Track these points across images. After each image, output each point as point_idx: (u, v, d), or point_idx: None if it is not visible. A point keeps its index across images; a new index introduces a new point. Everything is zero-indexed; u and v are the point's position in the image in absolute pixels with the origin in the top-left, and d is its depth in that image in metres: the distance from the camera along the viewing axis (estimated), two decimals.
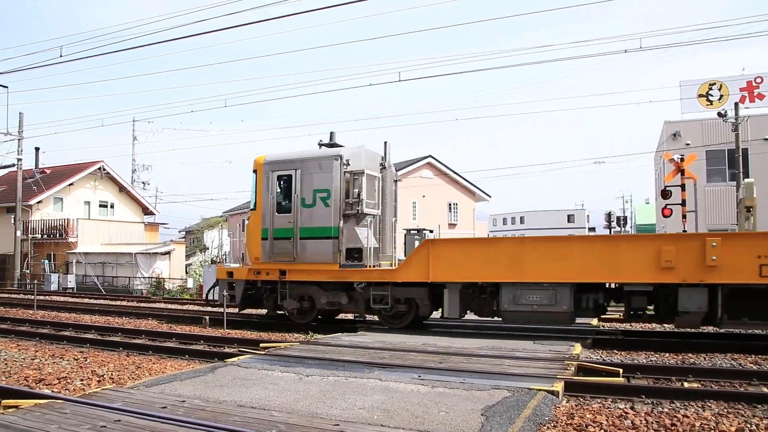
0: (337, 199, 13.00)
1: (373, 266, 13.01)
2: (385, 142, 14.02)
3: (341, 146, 14.02)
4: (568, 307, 11.01)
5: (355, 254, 13.12)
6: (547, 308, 11.13)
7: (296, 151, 14.28)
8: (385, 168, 13.89)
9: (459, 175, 44.74)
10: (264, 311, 15.18)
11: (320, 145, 14.32)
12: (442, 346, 9.84)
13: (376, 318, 13.42)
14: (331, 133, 14.42)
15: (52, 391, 7.37)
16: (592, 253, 11.23)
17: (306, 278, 13.43)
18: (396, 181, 14.70)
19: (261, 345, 10.46)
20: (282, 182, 13.77)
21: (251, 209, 14.39)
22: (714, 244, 10.22)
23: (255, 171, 14.13)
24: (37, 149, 36.65)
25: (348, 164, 13.11)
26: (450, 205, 44.43)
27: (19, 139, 33.17)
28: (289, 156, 14.00)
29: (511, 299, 11.37)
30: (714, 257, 10.17)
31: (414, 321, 12.81)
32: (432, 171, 43.19)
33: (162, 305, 20.82)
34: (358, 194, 12.95)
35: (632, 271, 10.76)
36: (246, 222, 14.63)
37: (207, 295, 17.00)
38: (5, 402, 6.15)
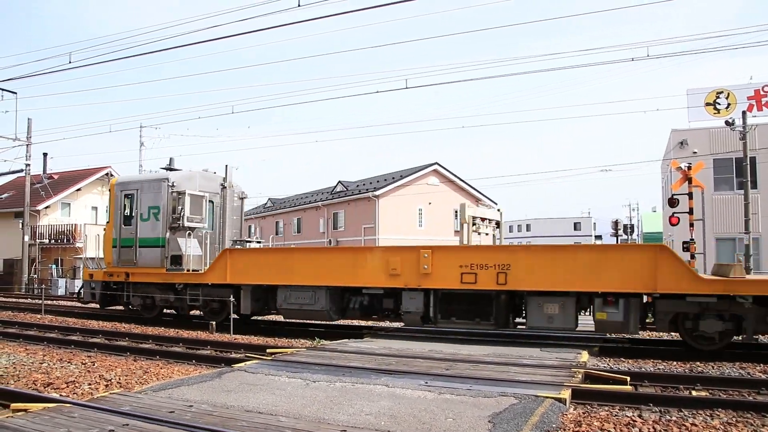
0: (165, 214, 15.64)
1: (193, 271, 15.22)
2: (226, 166, 16.48)
3: (177, 170, 16.84)
4: (324, 306, 13.09)
5: (179, 260, 15.49)
6: (310, 307, 13.27)
7: (139, 174, 17.49)
8: (225, 188, 16.30)
9: (465, 182, 44.77)
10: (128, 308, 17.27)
11: (167, 169, 16.99)
12: (449, 353, 9.83)
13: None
14: (171, 159, 17.33)
15: (61, 395, 7.41)
16: (340, 262, 13.35)
17: (143, 280, 16.04)
18: (242, 199, 17.35)
19: (268, 351, 10.48)
20: (127, 200, 16.52)
21: (107, 222, 17.36)
22: (426, 255, 12.05)
23: (110, 190, 17.21)
24: (45, 155, 36.77)
25: (174, 186, 15.76)
26: (456, 212, 44.42)
27: (27, 145, 33.33)
28: (133, 178, 17.39)
29: (284, 299, 13.58)
30: (426, 266, 12.00)
31: (236, 316, 14.66)
32: (438, 178, 43.25)
33: (169, 310, 20.80)
34: (181, 210, 15.47)
35: (370, 277, 12.66)
36: (103, 233, 17.56)
37: (78, 294, 19.28)
38: (14, 405, 6.19)
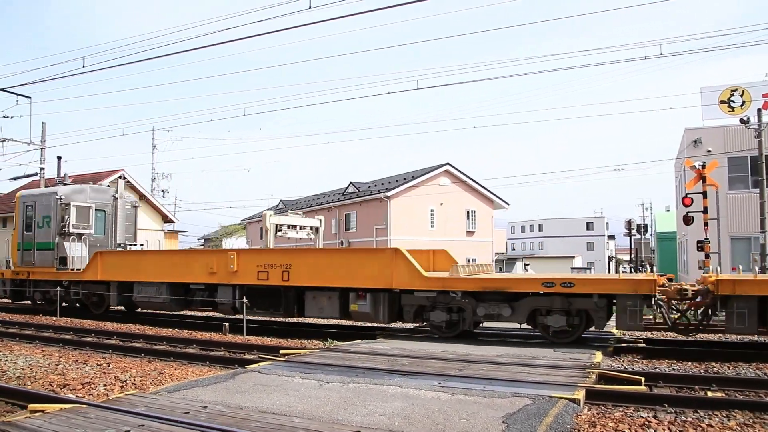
0: (55, 222, 18.64)
1: (76, 270, 18.10)
2: (118, 179, 20.11)
3: (68, 185, 20.03)
4: (165, 298, 15.71)
5: (65, 261, 18.40)
6: (156, 299, 15.97)
7: (38, 190, 21.51)
8: (117, 199, 19.87)
9: (477, 183, 44.62)
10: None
11: (63, 184, 20.04)
12: (462, 354, 9.81)
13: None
14: (65, 175, 21.22)
15: (77, 396, 7.48)
16: (175, 262, 16.07)
17: (40, 278, 19.02)
18: (135, 207, 20.94)
19: (281, 352, 10.51)
20: (28, 211, 19.59)
21: (14, 229, 20.51)
22: (232, 256, 14.45)
23: (15, 202, 20.53)
24: (59, 158, 36.95)
25: (62, 199, 18.66)
26: (468, 212, 44.33)
27: (41, 149, 33.59)
28: (32, 192, 20.88)
29: (138, 292, 16.28)
30: (232, 266, 14.34)
31: (110, 309, 18.14)
32: (450, 179, 43.15)
33: (182, 312, 20.94)
34: (67, 219, 18.43)
35: (197, 275, 15.13)
36: (11, 238, 20.70)
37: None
38: (32, 406, 6.26)
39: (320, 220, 19.49)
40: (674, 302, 11.20)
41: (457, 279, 11.90)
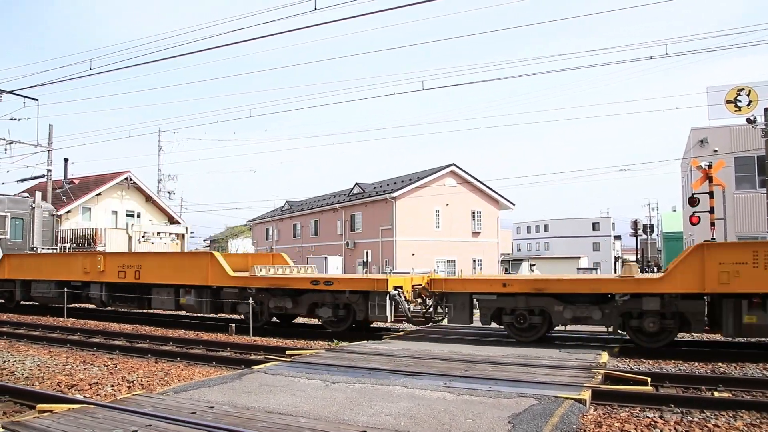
0: None
1: None
2: (35, 192, 23.57)
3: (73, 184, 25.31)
4: (54, 293, 18.36)
5: None
6: (48, 294, 18.68)
7: None
8: (34, 208, 22.90)
9: (483, 183, 44.56)
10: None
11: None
12: (468, 354, 9.82)
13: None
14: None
15: (85, 396, 7.52)
16: (60, 263, 18.84)
17: None
18: (53, 216, 24.39)
19: (287, 352, 10.53)
20: None
21: None
22: (100, 258, 17.14)
23: None
24: (66, 160, 37.17)
25: None
26: (473, 213, 44.28)
27: (48, 151, 33.72)
28: None
29: (34, 289, 18.88)
30: (100, 266, 16.91)
31: (19, 304, 20.49)
32: (455, 179, 43.11)
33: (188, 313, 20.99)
34: None
35: (76, 274, 17.69)
36: None
37: None
38: (40, 406, 6.31)
39: (186, 228, 22.60)
40: (428, 297, 13.43)
41: (253, 278, 14.22)
